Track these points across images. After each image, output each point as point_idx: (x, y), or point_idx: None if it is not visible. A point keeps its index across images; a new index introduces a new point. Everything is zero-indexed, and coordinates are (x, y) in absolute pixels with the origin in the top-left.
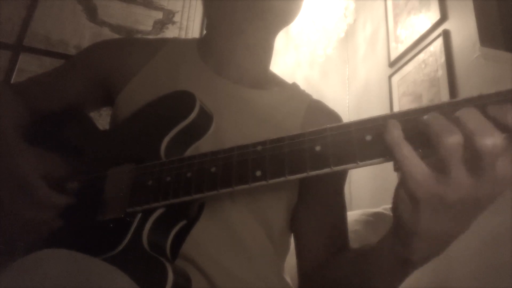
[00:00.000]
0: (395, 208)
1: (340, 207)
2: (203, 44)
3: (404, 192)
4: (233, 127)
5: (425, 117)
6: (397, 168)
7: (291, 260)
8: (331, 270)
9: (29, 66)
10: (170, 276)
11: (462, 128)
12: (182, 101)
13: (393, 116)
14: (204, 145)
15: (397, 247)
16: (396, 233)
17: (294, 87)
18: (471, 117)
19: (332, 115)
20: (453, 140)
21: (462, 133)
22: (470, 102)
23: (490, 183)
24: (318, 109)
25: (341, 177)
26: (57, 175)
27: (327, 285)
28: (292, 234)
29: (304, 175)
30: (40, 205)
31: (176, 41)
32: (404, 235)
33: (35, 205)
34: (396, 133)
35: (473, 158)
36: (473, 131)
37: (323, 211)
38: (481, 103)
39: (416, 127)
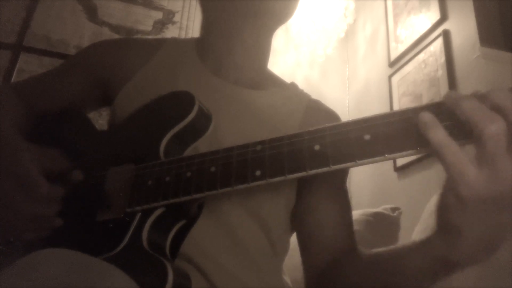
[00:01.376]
0: (441, 211)
1: (344, 201)
2: (201, 44)
3: (453, 195)
4: (232, 128)
5: (464, 104)
6: (445, 168)
7: (291, 262)
8: (347, 269)
9: (29, 66)
10: (170, 276)
11: (502, 112)
12: (181, 101)
13: (391, 115)
14: (203, 145)
15: (441, 248)
16: (440, 235)
17: (292, 87)
18: (507, 97)
19: (331, 115)
20: (496, 127)
21: (504, 118)
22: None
23: None
24: (317, 109)
25: (342, 173)
26: (57, 169)
27: (344, 285)
28: (296, 235)
29: (303, 174)
30: (40, 200)
31: (174, 41)
32: (451, 236)
33: (36, 200)
34: (441, 133)
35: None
36: (507, 111)
37: (327, 207)
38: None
39: (453, 119)
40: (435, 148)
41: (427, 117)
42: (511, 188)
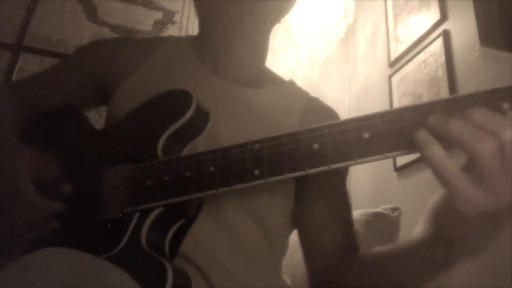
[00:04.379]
0: (437, 219)
1: (342, 201)
2: (199, 42)
3: (451, 209)
4: (230, 126)
5: (452, 126)
6: (442, 185)
7: (291, 260)
8: (346, 271)
9: (29, 66)
10: (170, 275)
11: (490, 132)
12: (178, 99)
13: (390, 113)
14: (201, 144)
15: (436, 254)
16: (434, 243)
17: (291, 85)
18: (485, 116)
19: (330, 112)
20: (486, 146)
21: (492, 136)
22: (471, 98)
23: None
24: (316, 107)
25: (341, 172)
26: (50, 178)
27: (347, 285)
28: (298, 234)
29: (302, 173)
30: (29, 207)
31: (172, 40)
32: (446, 244)
33: (25, 206)
34: (438, 151)
35: (503, 158)
36: (495, 130)
37: (324, 207)
38: (485, 99)
39: (442, 135)
40: (432, 168)
41: (421, 135)
42: (508, 203)
